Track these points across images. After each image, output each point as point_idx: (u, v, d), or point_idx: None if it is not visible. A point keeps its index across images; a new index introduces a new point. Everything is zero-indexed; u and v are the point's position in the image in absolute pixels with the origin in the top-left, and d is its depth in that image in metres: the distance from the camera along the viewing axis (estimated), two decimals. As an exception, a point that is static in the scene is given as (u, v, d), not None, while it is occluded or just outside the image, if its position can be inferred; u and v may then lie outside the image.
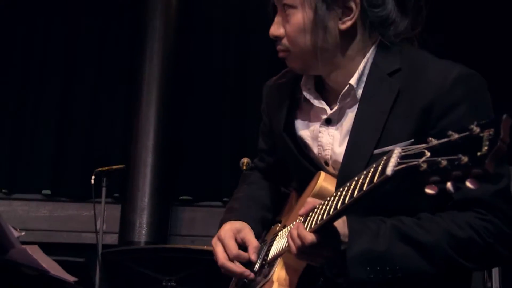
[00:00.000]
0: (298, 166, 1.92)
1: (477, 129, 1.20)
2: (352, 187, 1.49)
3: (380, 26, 1.77)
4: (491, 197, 1.65)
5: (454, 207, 1.67)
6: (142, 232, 5.76)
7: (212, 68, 6.48)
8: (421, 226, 1.65)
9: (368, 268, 1.59)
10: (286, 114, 1.92)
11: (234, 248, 1.89)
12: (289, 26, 1.77)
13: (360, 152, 1.73)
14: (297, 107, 1.94)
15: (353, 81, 1.77)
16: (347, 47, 1.78)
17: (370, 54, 1.78)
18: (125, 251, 4.37)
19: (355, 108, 1.78)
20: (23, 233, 1.41)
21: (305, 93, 1.87)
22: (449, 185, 1.23)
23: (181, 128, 6.34)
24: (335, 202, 1.54)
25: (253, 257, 1.89)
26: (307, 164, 1.90)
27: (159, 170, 5.92)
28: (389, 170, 1.33)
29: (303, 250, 1.61)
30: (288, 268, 1.80)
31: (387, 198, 1.65)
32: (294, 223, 1.82)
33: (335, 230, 1.61)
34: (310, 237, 1.58)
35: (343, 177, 1.72)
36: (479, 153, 1.17)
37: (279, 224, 2.04)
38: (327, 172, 1.85)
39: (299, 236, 1.61)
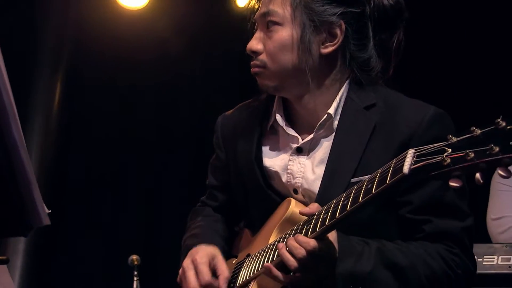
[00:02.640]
0: (261, 196, 1.87)
1: (503, 123, 1.25)
2: (353, 193, 1.49)
3: (358, 61, 1.79)
4: (459, 233, 1.72)
5: (424, 238, 1.71)
6: None
7: (92, 176, 6.07)
8: (401, 251, 1.67)
9: (351, 287, 1.59)
10: (257, 143, 1.88)
11: (207, 275, 1.79)
12: (271, 43, 1.77)
13: (337, 179, 1.73)
14: (263, 137, 1.90)
15: (331, 110, 1.78)
16: (325, 74, 1.79)
17: (344, 88, 1.80)
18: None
19: (330, 138, 1.79)
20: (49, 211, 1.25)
21: (278, 119, 1.84)
22: (478, 176, 1.27)
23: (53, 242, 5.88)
24: (339, 207, 1.53)
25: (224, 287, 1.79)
26: (272, 193, 1.86)
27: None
28: (405, 169, 1.36)
29: (304, 261, 1.56)
30: None
31: (360, 226, 1.67)
32: (261, 249, 1.77)
33: (330, 241, 1.60)
34: (312, 242, 1.56)
35: (320, 202, 1.68)
36: (511, 142, 1.22)
37: (235, 259, 1.95)
38: (296, 200, 1.81)
39: (300, 242, 1.57)
